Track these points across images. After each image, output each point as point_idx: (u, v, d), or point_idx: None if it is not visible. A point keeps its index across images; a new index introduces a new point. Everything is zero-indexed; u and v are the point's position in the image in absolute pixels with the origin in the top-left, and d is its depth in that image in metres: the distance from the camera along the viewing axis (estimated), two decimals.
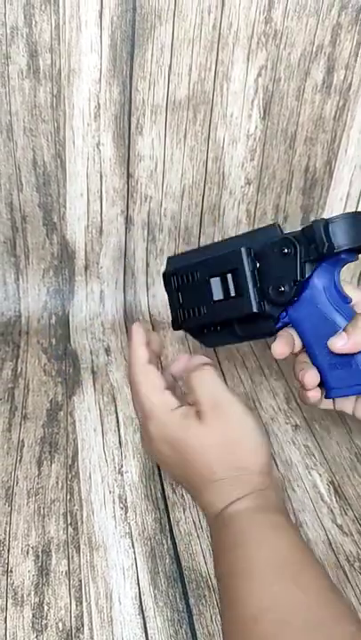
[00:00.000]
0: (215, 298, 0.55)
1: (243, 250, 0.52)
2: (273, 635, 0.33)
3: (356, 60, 0.71)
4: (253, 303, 0.52)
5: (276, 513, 0.42)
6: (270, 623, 0.33)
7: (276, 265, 0.50)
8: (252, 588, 0.36)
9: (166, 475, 0.56)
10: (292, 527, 0.41)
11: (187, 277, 0.57)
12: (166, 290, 0.61)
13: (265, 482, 0.44)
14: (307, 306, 0.49)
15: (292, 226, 0.82)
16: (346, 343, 0.47)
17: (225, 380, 0.69)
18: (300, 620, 0.33)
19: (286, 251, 0.48)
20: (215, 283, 0.54)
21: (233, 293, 0.53)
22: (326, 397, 0.51)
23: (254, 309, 0.52)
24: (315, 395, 0.51)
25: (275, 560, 0.38)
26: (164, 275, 0.61)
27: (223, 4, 0.65)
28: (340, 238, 0.46)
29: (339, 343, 0.47)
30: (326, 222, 0.47)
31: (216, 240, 0.81)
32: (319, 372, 0.50)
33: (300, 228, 0.50)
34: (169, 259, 0.62)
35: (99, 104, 0.69)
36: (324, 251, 0.47)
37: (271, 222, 0.54)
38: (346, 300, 0.50)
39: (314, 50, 0.70)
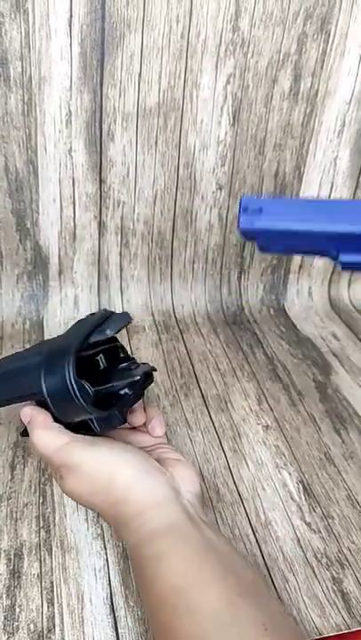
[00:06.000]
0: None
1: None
2: None
3: (321, 68, 0.73)
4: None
5: (157, 539, 0.40)
6: None
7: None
8: (156, 626, 0.38)
9: None
10: (183, 541, 0.40)
11: None
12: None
13: (143, 504, 0.42)
14: None
15: None
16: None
17: (197, 381, 0.70)
18: None
19: None
20: None
21: None
22: None
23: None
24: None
25: (165, 593, 0.38)
26: None
27: (191, 14, 0.67)
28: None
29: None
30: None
31: (189, 243, 0.82)
32: None
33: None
34: None
35: (70, 111, 0.70)
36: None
37: None
38: None
39: (281, 58, 0.71)
